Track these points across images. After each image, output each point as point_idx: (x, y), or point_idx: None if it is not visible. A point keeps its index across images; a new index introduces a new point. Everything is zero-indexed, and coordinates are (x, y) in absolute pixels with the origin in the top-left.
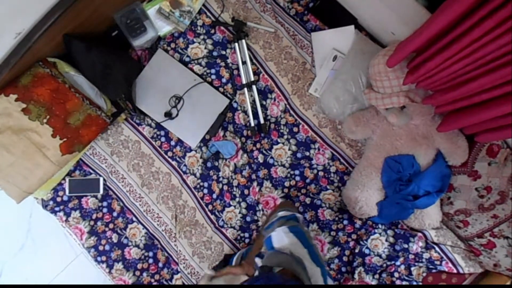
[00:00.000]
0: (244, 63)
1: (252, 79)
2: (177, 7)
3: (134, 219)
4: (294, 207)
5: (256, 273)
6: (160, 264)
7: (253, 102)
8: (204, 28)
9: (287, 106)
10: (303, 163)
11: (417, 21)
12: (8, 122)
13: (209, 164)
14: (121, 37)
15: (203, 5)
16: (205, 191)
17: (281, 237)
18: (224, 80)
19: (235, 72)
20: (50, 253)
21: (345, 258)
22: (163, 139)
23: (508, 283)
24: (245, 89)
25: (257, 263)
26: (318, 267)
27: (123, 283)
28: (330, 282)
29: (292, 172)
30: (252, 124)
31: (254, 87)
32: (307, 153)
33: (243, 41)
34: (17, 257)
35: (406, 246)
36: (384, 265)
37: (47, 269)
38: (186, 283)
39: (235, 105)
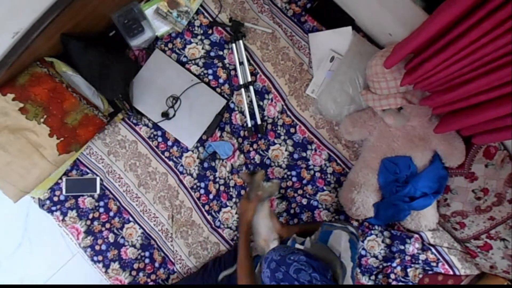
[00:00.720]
0: (241, 63)
1: (249, 79)
2: (174, 7)
3: (130, 219)
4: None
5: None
6: (157, 264)
7: (250, 103)
8: (202, 28)
9: (284, 107)
10: (300, 164)
11: (414, 22)
12: (5, 121)
13: (206, 165)
14: (118, 37)
15: (201, 5)
16: (202, 191)
17: (339, 239)
18: (221, 81)
19: (232, 72)
20: (46, 252)
21: None
22: (160, 139)
23: (505, 284)
24: (242, 89)
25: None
26: (351, 282)
27: (119, 283)
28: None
29: (288, 173)
30: (249, 125)
31: (251, 87)
32: (304, 154)
33: (241, 41)
34: (13, 257)
35: (402, 247)
36: (381, 266)
37: (44, 268)
38: (181, 279)
39: (232, 105)
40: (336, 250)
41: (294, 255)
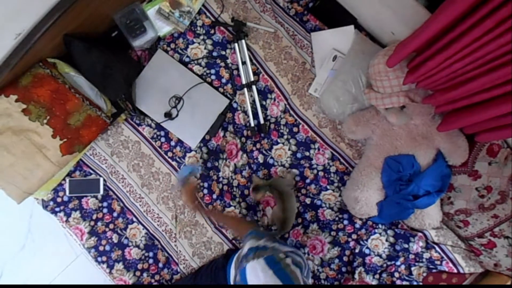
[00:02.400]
0: (244, 63)
1: (252, 79)
2: (176, 7)
3: (134, 219)
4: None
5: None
6: (160, 265)
7: (253, 102)
8: (204, 28)
9: (287, 106)
10: (303, 163)
11: (417, 21)
12: (9, 122)
13: (209, 164)
14: (121, 37)
15: (203, 5)
16: (205, 191)
17: (256, 273)
18: (224, 80)
19: (235, 72)
20: (50, 253)
21: (345, 258)
22: (163, 139)
23: (509, 283)
24: (245, 89)
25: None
26: None
27: (124, 283)
28: None
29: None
30: (252, 124)
31: (254, 87)
32: (307, 153)
33: (243, 41)
34: (17, 258)
35: (406, 246)
36: (385, 265)
37: (48, 269)
38: (176, 282)
39: (235, 105)
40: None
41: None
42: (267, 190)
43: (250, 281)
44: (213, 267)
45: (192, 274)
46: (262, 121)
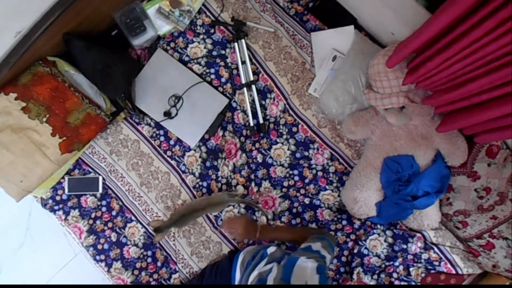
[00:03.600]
0: (243, 62)
1: (252, 78)
2: (176, 6)
3: (133, 218)
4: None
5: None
6: (159, 263)
7: (252, 102)
8: (204, 27)
9: (286, 106)
10: (302, 163)
11: (417, 22)
12: (8, 120)
13: (208, 164)
14: (120, 36)
15: (203, 4)
16: (204, 190)
17: (305, 268)
18: (223, 80)
19: (235, 71)
20: (49, 251)
21: (343, 259)
22: (162, 138)
23: (507, 284)
24: (245, 88)
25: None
26: None
27: (122, 282)
28: None
29: (291, 172)
30: (251, 124)
31: (253, 86)
32: (306, 153)
33: (243, 40)
34: (16, 256)
35: (405, 246)
36: (383, 265)
37: (46, 267)
38: (184, 283)
39: (234, 104)
40: (302, 275)
41: None
42: (169, 231)
43: (296, 271)
44: (217, 271)
45: (198, 276)
46: (261, 121)
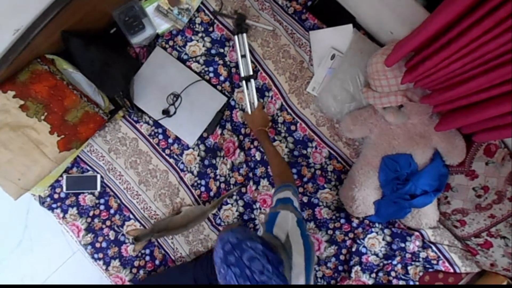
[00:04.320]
0: (243, 56)
1: (251, 73)
2: (175, 4)
3: (131, 216)
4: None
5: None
6: (157, 262)
7: (249, 96)
8: (203, 26)
9: (284, 104)
10: (300, 162)
11: (415, 20)
12: (6, 118)
13: (206, 162)
14: (119, 34)
15: (201, 2)
16: (203, 189)
17: (286, 219)
18: (222, 78)
19: (233, 70)
20: (47, 250)
21: (342, 257)
22: (160, 136)
23: (505, 283)
24: (244, 82)
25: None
26: (303, 260)
27: (120, 281)
28: (311, 278)
29: None
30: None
31: (252, 81)
32: (305, 152)
33: (244, 34)
34: (14, 254)
35: (403, 245)
36: (381, 264)
37: (44, 266)
38: (178, 264)
39: (232, 103)
40: (284, 228)
41: (252, 242)
42: (148, 239)
43: (279, 223)
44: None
45: (193, 261)
46: (256, 104)
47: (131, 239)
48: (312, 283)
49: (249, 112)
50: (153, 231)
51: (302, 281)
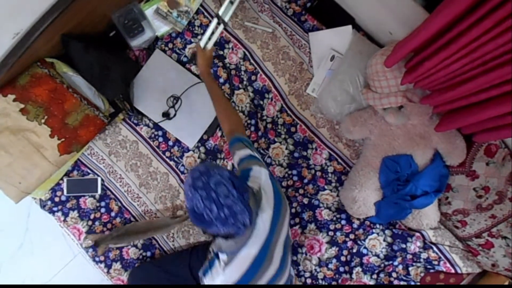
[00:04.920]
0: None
1: (226, 21)
2: (174, 7)
3: (132, 219)
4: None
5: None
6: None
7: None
8: (202, 28)
9: (284, 106)
10: (300, 163)
11: (415, 21)
12: (6, 122)
13: None
14: (118, 37)
15: (201, 5)
16: None
17: (259, 173)
18: (221, 80)
19: (233, 72)
20: (48, 253)
21: (343, 258)
22: (160, 139)
23: (506, 283)
24: (216, 19)
25: None
26: (272, 212)
27: (121, 283)
28: (285, 225)
29: (289, 172)
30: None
31: (221, 26)
32: (305, 153)
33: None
34: (15, 257)
35: (404, 246)
36: (382, 265)
37: (45, 269)
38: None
39: (232, 105)
40: (257, 182)
41: (219, 170)
42: (108, 244)
43: (253, 177)
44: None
45: (189, 249)
46: (210, 46)
47: (93, 244)
48: (281, 234)
49: (202, 46)
50: (111, 235)
51: (267, 226)
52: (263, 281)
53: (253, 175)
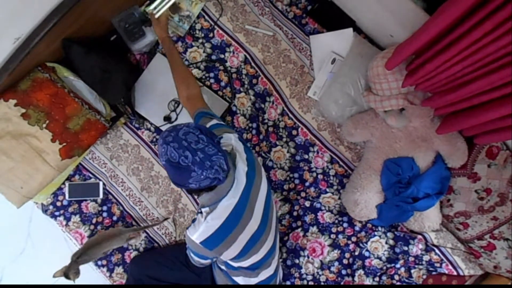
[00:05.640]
0: None
1: None
2: (176, 12)
3: (133, 223)
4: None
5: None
6: None
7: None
8: (203, 32)
9: (285, 109)
10: (302, 166)
11: (415, 24)
12: (8, 127)
13: None
14: (119, 41)
15: (202, 9)
16: None
17: (229, 138)
18: (223, 84)
19: (234, 75)
20: (50, 257)
21: (345, 261)
22: None
23: (509, 284)
24: None
25: None
26: (247, 167)
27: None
28: (263, 181)
29: (291, 175)
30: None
31: None
32: (306, 156)
33: None
34: (17, 262)
35: (406, 248)
36: (384, 267)
37: (47, 273)
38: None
39: (234, 108)
40: (229, 145)
41: (185, 124)
42: (75, 268)
43: (225, 142)
44: None
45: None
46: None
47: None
48: (261, 189)
49: (155, 14)
50: (71, 259)
51: (243, 178)
52: (246, 234)
53: (224, 142)
